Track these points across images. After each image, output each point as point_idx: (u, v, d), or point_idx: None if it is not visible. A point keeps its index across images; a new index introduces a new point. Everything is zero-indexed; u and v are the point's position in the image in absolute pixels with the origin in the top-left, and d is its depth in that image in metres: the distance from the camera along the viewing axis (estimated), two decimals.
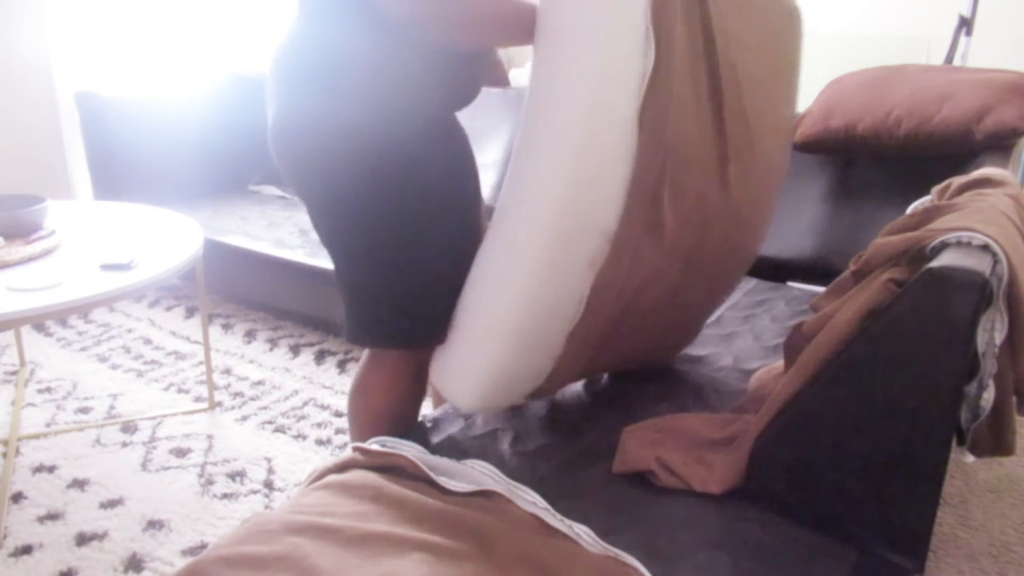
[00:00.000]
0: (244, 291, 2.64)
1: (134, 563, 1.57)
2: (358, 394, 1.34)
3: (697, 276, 1.26)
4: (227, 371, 2.38)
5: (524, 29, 1.08)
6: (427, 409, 2.16)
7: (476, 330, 1.12)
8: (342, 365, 2.44)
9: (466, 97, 1.25)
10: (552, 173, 1.00)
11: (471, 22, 1.07)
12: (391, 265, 1.19)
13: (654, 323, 1.29)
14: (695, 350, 1.61)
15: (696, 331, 1.50)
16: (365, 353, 1.35)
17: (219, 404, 2.19)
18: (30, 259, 1.82)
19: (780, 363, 1.46)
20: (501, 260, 1.08)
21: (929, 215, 1.21)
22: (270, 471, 1.88)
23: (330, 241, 1.21)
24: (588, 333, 1.14)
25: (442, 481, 1.06)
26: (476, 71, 1.27)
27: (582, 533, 0.99)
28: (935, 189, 1.45)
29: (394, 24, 1.12)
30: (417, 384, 1.33)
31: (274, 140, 1.19)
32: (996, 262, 0.98)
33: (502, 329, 1.08)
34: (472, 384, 1.13)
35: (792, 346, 1.19)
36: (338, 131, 1.14)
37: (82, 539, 1.63)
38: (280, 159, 1.20)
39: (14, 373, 2.35)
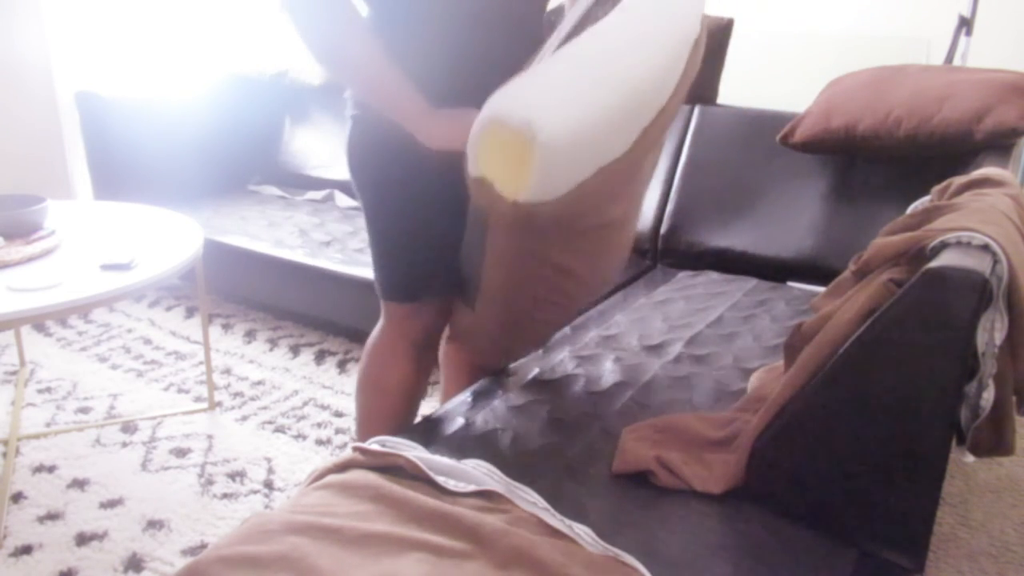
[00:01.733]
0: (244, 291, 2.64)
1: (134, 563, 1.57)
2: (368, 360, 1.48)
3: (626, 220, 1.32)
4: (227, 371, 2.38)
5: (371, 89, 1.20)
6: (427, 409, 2.16)
7: (582, 78, 1.07)
8: (342, 365, 2.44)
9: (471, 102, 1.26)
10: None
11: (333, 60, 1.20)
12: (397, 244, 1.38)
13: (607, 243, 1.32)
14: (695, 349, 1.61)
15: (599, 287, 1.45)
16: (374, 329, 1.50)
17: (219, 404, 2.19)
18: (30, 259, 1.82)
19: (780, 363, 1.46)
20: (626, 39, 1.11)
21: (929, 215, 1.21)
22: (270, 471, 1.89)
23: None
24: (602, 188, 1.11)
25: (442, 481, 1.06)
26: (482, 73, 1.28)
27: (582, 533, 0.99)
28: (935, 189, 1.45)
29: (400, 30, 1.22)
30: (423, 354, 1.47)
31: None
32: (996, 262, 0.98)
33: (606, 89, 1.06)
34: (558, 114, 1.02)
35: (792, 346, 1.19)
36: (357, 133, 1.32)
37: (82, 539, 1.64)
38: None
39: (14, 373, 2.35)
